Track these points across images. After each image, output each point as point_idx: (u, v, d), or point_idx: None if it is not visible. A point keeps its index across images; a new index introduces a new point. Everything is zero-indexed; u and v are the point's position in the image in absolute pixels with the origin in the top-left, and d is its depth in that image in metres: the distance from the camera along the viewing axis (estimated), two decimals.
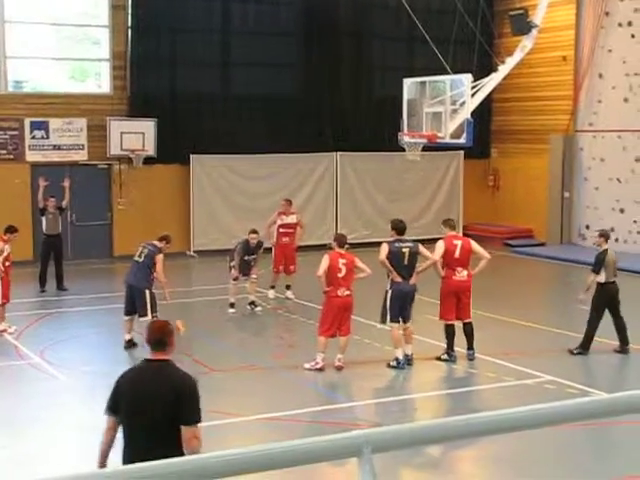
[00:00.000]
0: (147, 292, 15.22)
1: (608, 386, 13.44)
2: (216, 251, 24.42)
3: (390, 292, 14.23)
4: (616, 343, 15.13)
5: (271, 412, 11.99)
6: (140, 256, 15.39)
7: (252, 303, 18.54)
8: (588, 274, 15.27)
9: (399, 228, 14.46)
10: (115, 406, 6.94)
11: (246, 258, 18.16)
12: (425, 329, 16.02)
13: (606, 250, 15.06)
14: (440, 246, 14.57)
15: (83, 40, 26.76)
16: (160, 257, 15.30)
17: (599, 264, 14.93)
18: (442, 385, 14.04)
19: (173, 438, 6.64)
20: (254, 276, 18.53)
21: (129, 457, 6.81)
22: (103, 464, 6.97)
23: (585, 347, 15.04)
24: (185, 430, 6.68)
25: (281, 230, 19.76)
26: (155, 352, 6.95)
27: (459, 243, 14.63)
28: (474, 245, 14.76)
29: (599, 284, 14.98)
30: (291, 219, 19.89)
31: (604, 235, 15.36)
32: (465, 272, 14.56)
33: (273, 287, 19.82)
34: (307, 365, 14.07)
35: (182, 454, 6.55)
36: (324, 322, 14.08)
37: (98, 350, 15.88)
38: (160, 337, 6.96)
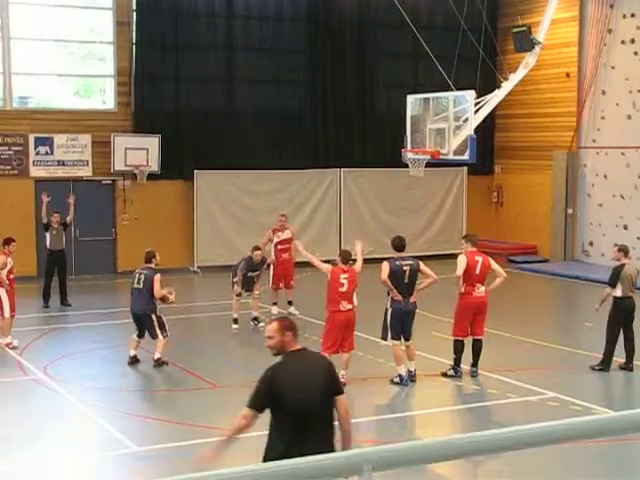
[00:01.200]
0: (153, 316, 15.35)
1: (612, 403, 13.42)
2: (220, 267, 24.44)
3: (390, 310, 14.24)
4: (622, 360, 15.12)
5: None
6: (139, 283, 15.40)
7: (255, 319, 18.53)
8: (605, 287, 15.26)
9: (398, 246, 14.44)
10: (266, 402, 6.96)
11: (249, 274, 18.22)
12: (430, 346, 16.02)
13: (623, 265, 14.99)
14: (462, 261, 14.50)
15: (88, 56, 26.85)
16: (157, 277, 15.36)
17: (615, 277, 14.91)
18: (445, 402, 13.99)
19: (331, 422, 7.07)
20: (257, 292, 18.56)
21: (294, 449, 6.62)
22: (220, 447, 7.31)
23: (606, 364, 15.02)
24: (343, 399, 7.17)
25: (279, 247, 19.70)
26: (297, 340, 7.19)
27: (480, 259, 14.57)
28: (493, 263, 14.76)
29: (615, 298, 14.94)
30: (286, 234, 19.81)
31: (623, 249, 15.25)
32: (483, 288, 14.57)
33: (275, 303, 19.78)
34: None
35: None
36: (328, 339, 14.01)
37: (102, 366, 15.86)
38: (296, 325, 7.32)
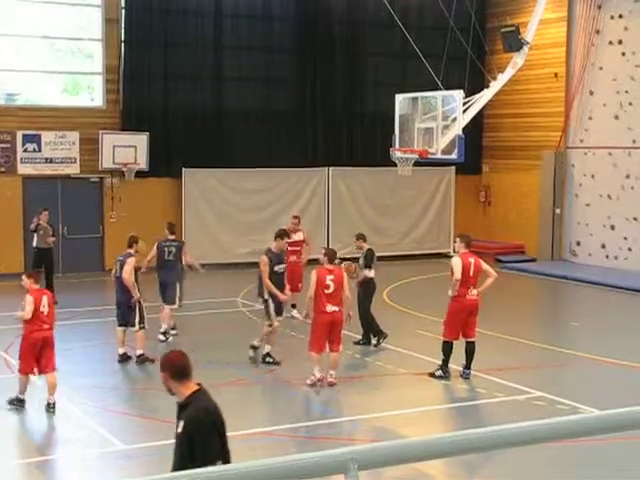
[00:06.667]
0: (136, 305, 15.25)
1: (598, 402, 13.45)
2: (208, 264, 24.36)
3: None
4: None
5: (261, 427, 11.96)
6: (119, 271, 15.35)
7: (164, 333, 16.92)
8: (362, 270, 16.50)
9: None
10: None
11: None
12: (416, 344, 16.05)
13: (371, 249, 16.66)
14: (458, 264, 14.30)
15: (76, 53, 26.80)
16: (130, 260, 15.24)
17: (370, 260, 16.48)
18: (433, 401, 14.01)
19: None
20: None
21: None
22: None
23: (368, 338, 16.50)
24: None
25: (289, 248, 18.47)
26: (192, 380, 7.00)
27: (472, 261, 14.40)
28: (483, 263, 14.65)
29: (370, 279, 16.44)
30: (298, 236, 19.38)
31: (362, 237, 17.06)
32: (475, 290, 14.40)
33: (294, 305, 18.94)
34: (308, 381, 14.01)
35: None
36: (313, 339, 14.03)
37: (89, 364, 15.83)
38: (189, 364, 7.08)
